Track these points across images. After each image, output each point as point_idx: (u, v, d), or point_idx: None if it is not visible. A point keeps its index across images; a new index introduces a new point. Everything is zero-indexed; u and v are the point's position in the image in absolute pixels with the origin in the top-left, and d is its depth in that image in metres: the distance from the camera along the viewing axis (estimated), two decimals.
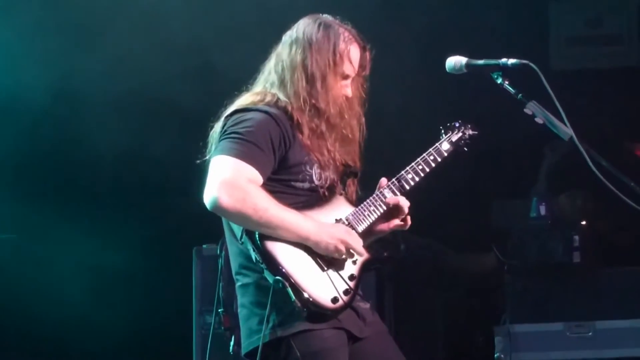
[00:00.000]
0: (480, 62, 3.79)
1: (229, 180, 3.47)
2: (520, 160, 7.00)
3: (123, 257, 6.93)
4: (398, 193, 3.83)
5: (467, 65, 3.81)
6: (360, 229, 3.72)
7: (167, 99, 6.71)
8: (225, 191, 3.45)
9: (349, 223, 3.71)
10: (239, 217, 3.51)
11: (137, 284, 7.00)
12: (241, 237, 3.59)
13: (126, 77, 6.69)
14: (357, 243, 3.65)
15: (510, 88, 3.74)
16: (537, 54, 6.91)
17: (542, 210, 6.64)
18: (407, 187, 3.86)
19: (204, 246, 6.31)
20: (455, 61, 3.82)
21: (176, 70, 6.72)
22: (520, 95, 3.72)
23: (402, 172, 3.87)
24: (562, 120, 3.61)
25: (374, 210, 3.76)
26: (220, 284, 5.84)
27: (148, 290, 6.99)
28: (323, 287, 3.57)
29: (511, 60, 3.70)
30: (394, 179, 3.84)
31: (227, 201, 3.45)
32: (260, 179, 3.56)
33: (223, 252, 5.84)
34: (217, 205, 3.46)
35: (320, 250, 3.59)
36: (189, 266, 6.36)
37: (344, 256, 3.63)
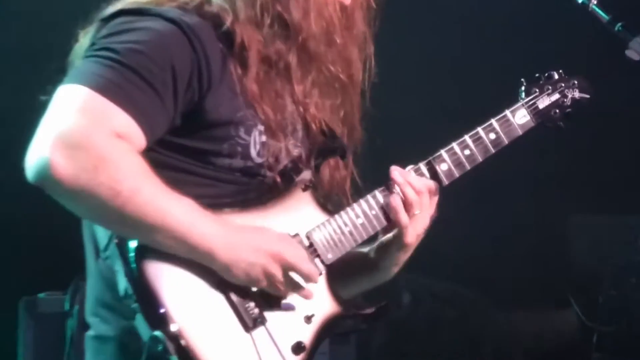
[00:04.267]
0: None
1: (76, 132, 2.35)
2: (616, 164, 5.39)
3: None
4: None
5: None
6: (332, 255, 2.63)
7: None
8: (65, 150, 2.34)
9: (311, 244, 2.61)
10: (84, 200, 2.37)
11: None
12: (106, 248, 2.54)
13: None
14: (303, 260, 2.55)
15: (600, 12, 2.96)
16: None
17: None
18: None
19: (41, 295, 4.95)
20: None
21: None
22: (619, 25, 2.93)
23: (430, 158, 2.79)
24: None
25: (362, 224, 2.67)
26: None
27: None
28: None
29: None
30: (414, 166, 2.77)
31: (64, 168, 2.33)
32: (140, 139, 2.44)
33: (76, 306, 4.49)
34: (45, 174, 2.33)
35: (238, 278, 2.48)
36: (12, 328, 4.97)
37: (283, 289, 2.53)
